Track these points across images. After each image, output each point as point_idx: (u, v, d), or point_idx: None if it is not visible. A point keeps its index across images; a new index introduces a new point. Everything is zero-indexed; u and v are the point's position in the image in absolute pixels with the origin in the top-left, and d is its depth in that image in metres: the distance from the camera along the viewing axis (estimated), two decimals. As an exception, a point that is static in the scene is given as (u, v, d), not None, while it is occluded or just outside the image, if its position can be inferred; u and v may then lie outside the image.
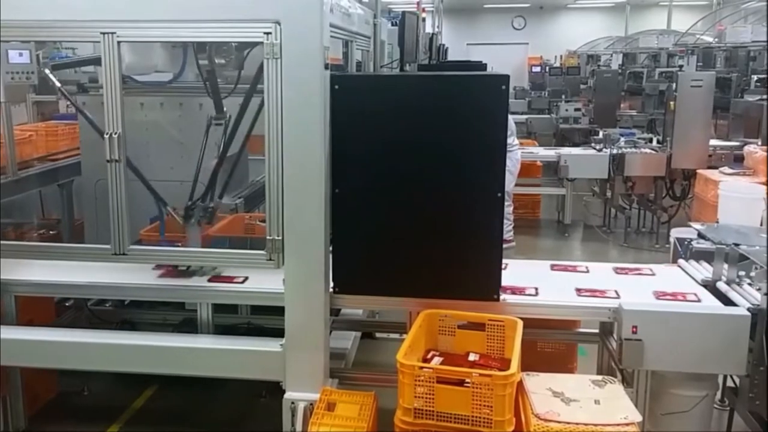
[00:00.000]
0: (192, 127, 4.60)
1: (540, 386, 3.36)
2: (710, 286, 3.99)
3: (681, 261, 4.42)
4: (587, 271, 4.38)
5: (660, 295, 3.89)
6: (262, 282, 4.13)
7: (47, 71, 4.57)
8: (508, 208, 8.24)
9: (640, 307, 3.65)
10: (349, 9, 4.26)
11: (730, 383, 4.05)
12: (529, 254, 7.91)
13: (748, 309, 3.57)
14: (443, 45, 11.21)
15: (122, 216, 3.80)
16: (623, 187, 8.96)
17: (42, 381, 4.65)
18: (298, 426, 3.70)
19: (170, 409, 4.76)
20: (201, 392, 4.79)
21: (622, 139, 9.30)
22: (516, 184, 8.54)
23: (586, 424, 3.07)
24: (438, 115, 3.62)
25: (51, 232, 5.25)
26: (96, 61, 4.16)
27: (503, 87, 3.57)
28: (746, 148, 8.13)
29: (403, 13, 5.82)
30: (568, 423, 3.08)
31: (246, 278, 4.20)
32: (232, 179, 4.42)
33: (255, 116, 3.99)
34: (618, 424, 3.08)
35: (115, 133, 3.70)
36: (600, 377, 3.58)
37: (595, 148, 9.46)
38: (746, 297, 3.72)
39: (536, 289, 3.96)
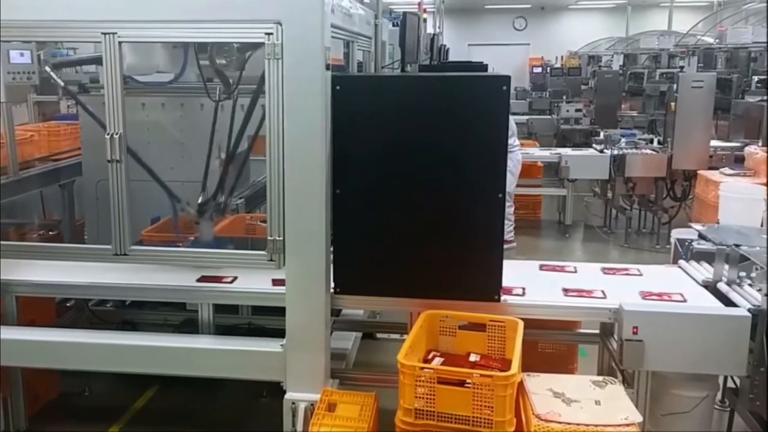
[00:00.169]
0: (193, 127, 4.61)
1: (541, 387, 3.36)
2: (711, 287, 3.99)
3: (682, 262, 4.42)
4: (575, 271, 4.39)
5: (646, 295, 3.90)
6: (250, 282, 4.15)
7: (47, 68, 4.57)
8: (509, 209, 8.24)
9: (641, 308, 3.65)
10: (350, 9, 4.26)
11: (730, 384, 4.05)
12: (529, 255, 7.91)
13: (749, 310, 3.57)
14: (444, 46, 11.21)
15: (123, 216, 3.80)
16: (624, 187, 8.96)
17: (43, 381, 4.65)
18: (299, 426, 3.70)
19: (171, 409, 4.76)
20: (202, 392, 4.79)
21: (623, 139, 9.30)
22: (517, 185, 8.54)
23: (586, 425, 3.07)
24: (439, 116, 3.62)
25: (51, 233, 5.25)
26: (97, 60, 4.17)
27: (504, 88, 3.57)
28: (747, 149, 8.14)
29: (404, 13, 5.83)
30: (569, 423, 3.08)
31: (235, 278, 4.20)
32: (241, 176, 4.44)
33: (262, 117, 4.01)
34: (618, 425, 3.08)
35: (116, 134, 3.70)
36: (600, 378, 3.57)
37: (596, 149, 9.46)
38: (747, 298, 3.72)
39: (523, 289, 3.96)
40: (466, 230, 3.70)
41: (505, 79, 3.59)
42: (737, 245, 4.03)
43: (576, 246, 9.22)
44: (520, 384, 3.33)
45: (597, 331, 4.35)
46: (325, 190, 3.63)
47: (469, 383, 3.14)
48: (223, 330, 4.35)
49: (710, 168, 8.15)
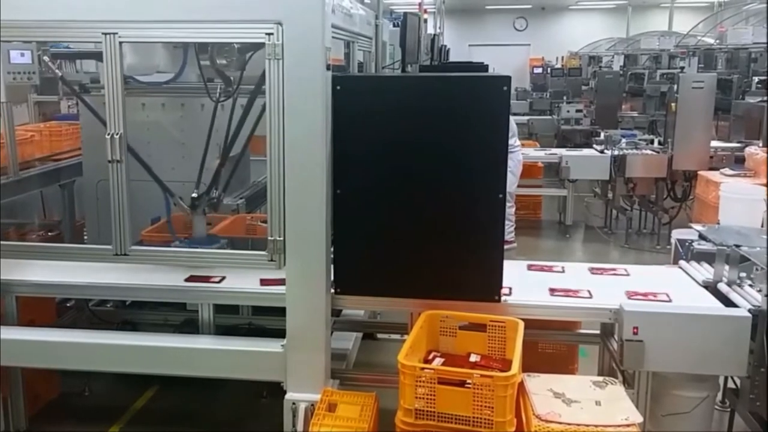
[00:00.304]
0: (193, 127, 4.61)
1: (541, 387, 3.36)
2: (711, 288, 3.99)
3: (682, 262, 4.42)
4: (563, 271, 4.40)
5: (632, 295, 3.90)
6: (239, 281, 4.15)
7: (46, 59, 4.58)
8: (510, 209, 8.23)
9: (641, 308, 3.65)
10: (351, 10, 4.27)
11: (730, 384, 4.05)
12: (530, 255, 7.90)
13: (749, 310, 3.57)
14: (445, 46, 11.22)
15: (123, 216, 3.80)
16: (624, 188, 8.95)
17: (43, 381, 4.65)
18: (299, 426, 3.70)
19: (171, 409, 4.76)
20: (202, 393, 4.79)
21: (624, 140, 9.30)
22: (518, 185, 8.54)
23: (587, 425, 3.07)
24: (439, 117, 3.62)
25: (50, 233, 5.25)
26: (96, 56, 4.17)
27: (505, 88, 3.58)
28: (747, 149, 8.13)
29: (405, 14, 5.83)
30: (569, 424, 3.08)
31: (223, 278, 4.20)
32: (236, 172, 4.43)
33: (258, 116, 4.01)
34: (619, 425, 3.08)
35: (117, 134, 3.70)
36: (601, 378, 3.57)
37: (596, 150, 9.46)
38: (747, 298, 3.72)
39: (510, 288, 3.95)
40: (467, 230, 3.70)
41: (506, 80, 3.59)
42: (737, 246, 4.03)
43: (576, 246, 9.21)
44: (521, 384, 3.33)
45: (597, 332, 4.35)
46: (325, 191, 3.62)
47: (469, 384, 3.14)
48: (223, 330, 4.34)
49: (711, 168, 8.15)
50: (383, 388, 3.81)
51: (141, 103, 4.83)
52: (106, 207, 3.83)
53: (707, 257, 4.29)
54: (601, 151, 9.26)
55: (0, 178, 4.87)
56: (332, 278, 3.82)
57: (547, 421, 3.10)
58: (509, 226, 8.17)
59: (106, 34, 3.60)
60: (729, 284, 3.92)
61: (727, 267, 3.98)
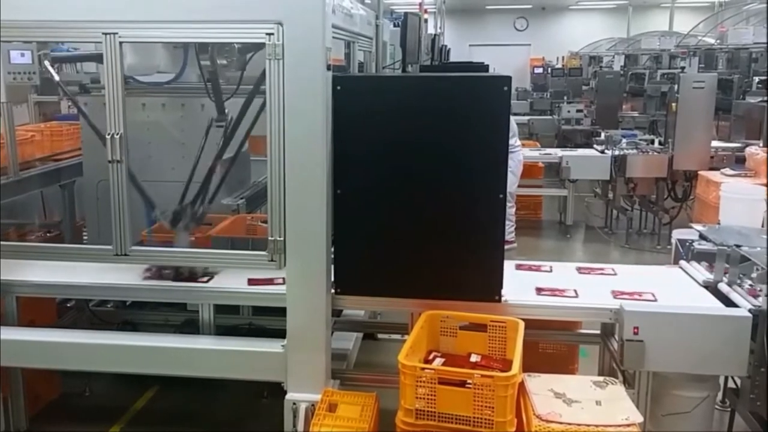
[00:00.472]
0: (194, 128, 4.61)
1: (541, 387, 3.36)
2: (711, 288, 3.99)
3: (682, 262, 4.42)
4: (550, 271, 4.41)
5: (618, 294, 3.91)
6: (226, 281, 4.17)
7: (46, 62, 4.58)
8: (511, 209, 8.23)
9: (642, 308, 3.65)
10: (351, 10, 4.27)
11: (731, 384, 4.05)
12: (530, 255, 7.88)
13: (749, 310, 3.57)
14: (445, 46, 11.21)
15: (124, 217, 3.80)
16: (625, 188, 8.95)
17: (44, 382, 4.65)
18: (300, 427, 3.70)
19: (171, 409, 4.76)
20: (202, 393, 4.79)
21: (624, 140, 9.29)
22: (518, 185, 8.54)
23: (587, 425, 3.07)
24: (440, 117, 3.62)
25: (49, 234, 5.24)
26: (96, 58, 4.16)
27: (505, 88, 3.58)
28: (748, 149, 8.13)
29: (406, 14, 5.84)
30: (570, 424, 3.08)
31: (210, 277, 4.20)
32: (224, 183, 4.42)
33: (254, 119, 4.01)
34: (619, 425, 3.08)
35: (117, 134, 3.70)
36: (601, 378, 3.58)
37: (597, 150, 9.46)
38: (747, 298, 3.72)
39: None
40: (467, 231, 3.70)
41: (506, 80, 3.59)
42: (738, 246, 4.03)
43: (577, 247, 9.21)
44: (521, 384, 3.33)
45: (598, 332, 4.35)
46: (325, 191, 3.63)
47: (469, 384, 3.14)
48: (223, 330, 4.34)
49: (711, 168, 8.15)
50: (384, 389, 3.81)
51: (141, 103, 4.83)
52: (106, 207, 3.83)
53: (708, 257, 4.29)
54: (602, 151, 9.26)
55: (0, 178, 4.87)
56: (332, 278, 3.82)
57: (547, 421, 3.10)
58: (510, 226, 8.17)
59: (106, 34, 3.60)
60: (729, 284, 3.92)
61: (727, 267, 3.97)
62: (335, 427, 3.41)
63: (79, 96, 4.93)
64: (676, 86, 8.64)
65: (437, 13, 13.30)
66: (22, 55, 4.88)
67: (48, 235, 5.17)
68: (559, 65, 19.90)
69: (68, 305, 4.97)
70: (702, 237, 4.51)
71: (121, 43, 3.62)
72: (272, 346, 3.85)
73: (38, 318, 4.48)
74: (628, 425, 3.08)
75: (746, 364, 3.53)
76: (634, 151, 8.88)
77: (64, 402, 4.80)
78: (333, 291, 3.84)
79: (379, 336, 5.53)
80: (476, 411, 3.12)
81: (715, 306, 3.78)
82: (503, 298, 3.80)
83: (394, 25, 6.76)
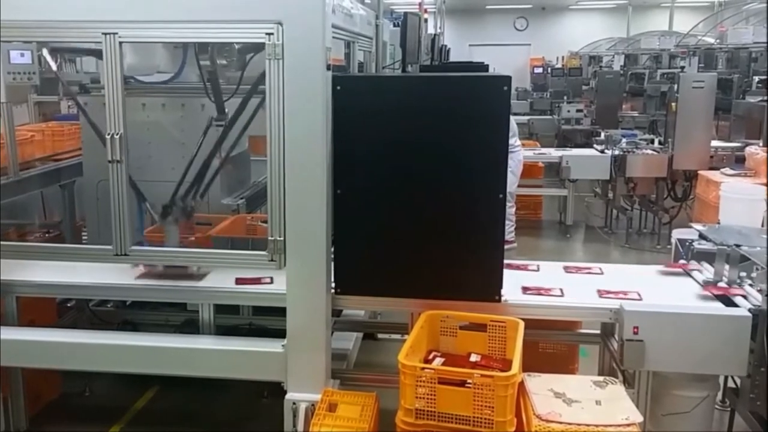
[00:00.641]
0: (194, 128, 4.61)
1: (541, 387, 3.36)
2: (711, 287, 3.99)
3: (682, 262, 4.42)
4: (537, 270, 4.41)
5: (603, 293, 3.92)
6: (215, 281, 4.17)
7: (44, 51, 4.58)
8: (511, 209, 8.23)
9: (642, 308, 3.65)
10: (351, 10, 4.27)
11: (731, 384, 4.05)
12: (530, 255, 7.89)
13: (749, 310, 3.57)
14: (445, 46, 11.21)
15: (123, 216, 3.80)
16: (625, 188, 8.95)
17: (44, 381, 4.65)
18: (300, 427, 3.70)
19: (171, 409, 4.76)
20: (202, 393, 4.79)
21: (624, 140, 9.29)
22: (518, 185, 8.54)
23: (587, 425, 3.07)
24: (440, 116, 3.62)
25: (49, 234, 5.24)
26: (96, 53, 4.16)
27: (505, 88, 3.58)
28: (747, 149, 8.13)
29: (405, 14, 5.84)
30: (570, 424, 3.08)
31: (202, 276, 4.22)
32: (221, 178, 4.46)
33: (249, 119, 4.03)
34: (619, 425, 3.08)
35: (117, 134, 3.70)
36: (601, 378, 3.57)
37: (597, 150, 9.46)
38: (747, 298, 3.72)
39: None
40: (467, 230, 3.70)
41: (506, 80, 3.59)
42: (738, 245, 4.03)
43: (577, 246, 9.21)
44: (521, 384, 3.33)
45: (598, 332, 4.35)
46: (325, 190, 3.62)
47: (469, 383, 3.14)
48: (224, 330, 4.35)
49: (711, 168, 8.15)
50: (384, 388, 3.81)
51: (141, 103, 4.83)
52: (106, 207, 3.83)
53: (707, 257, 4.29)
54: (602, 151, 9.26)
55: (0, 178, 4.87)
56: (332, 278, 3.82)
57: (547, 421, 3.10)
58: (509, 226, 8.17)
59: (106, 34, 3.60)
60: (729, 284, 3.92)
61: (727, 266, 3.98)
62: (335, 427, 3.41)
63: (79, 96, 4.93)
64: (675, 86, 8.65)
65: (437, 13, 13.32)
66: (22, 55, 4.89)
67: (48, 235, 5.17)
68: (559, 65, 19.90)
69: (68, 305, 4.97)
70: (702, 237, 4.51)
71: (120, 43, 3.62)
72: (272, 346, 3.85)
73: (38, 318, 4.48)
74: (628, 425, 3.08)
75: (746, 363, 3.53)
76: (634, 150, 8.88)
77: (64, 402, 4.80)
78: (333, 291, 3.84)
79: (379, 336, 5.53)
80: (476, 411, 3.12)
81: (714, 306, 3.78)
82: (503, 298, 3.80)
83: (394, 25, 6.76)
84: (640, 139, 9.41)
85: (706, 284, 3.99)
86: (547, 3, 22.88)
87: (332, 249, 3.78)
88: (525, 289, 3.99)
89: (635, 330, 3.55)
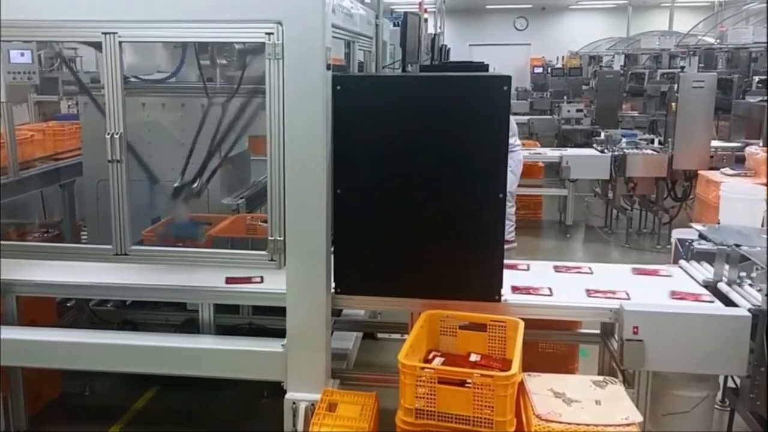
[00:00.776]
0: (194, 128, 4.61)
1: (541, 387, 3.36)
2: (711, 287, 3.99)
3: (682, 262, 4.43)
4: (527, 269, 4.42)
5: (591, 293, 3.93)
6: (208, 281, 4.17)
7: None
8: (511, 209, 8.23)
9: (642, 308, 3.65)
10: (351, 9, 4.27)
11: (731, 384, 4.05)
12: (530, 255, 7.90)
13: (749, 310, 3.57)
14: (445, 46, 11.21)
15: (123, 216, 3.80)
16: (625, 188, 8.95)
17: (44, 381, 4.65)
18: (300, 426, 3.70)
19: (172, 409, 4.76)
20: (202, 393, 4.79)
21: (624, 140, 9.30)
22: (518, 185, 8.54)
23: (587, 425, 3.07)
24: (440, 116, 3.62)
25: (47, 234, 5.24)
26: (95, 44, 4.17)
27: (505, 88, 3.58)
28: (747, 149, 8.13)
29: (405, 13, 5.83)
30: (570, 423, 3.08)
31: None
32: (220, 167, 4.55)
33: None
34: (619, 425, 3.08)
35: (117, 134, 3.70)
36: (601, 378, 3.57)
37: (597, 149, 9.46)
38: (747, 298, 3.72)
39: None
40: (467, 230, 3.70)
41: (506, 79, 3.59)
42: (738, 245, 4.03)
43: (577, 246, 9.21)
44: (521, 384, 3.33)
45: (597, 331, 4.35)
46: (325, 190, 3.63)
47: (469, 383, 3.14)
48: (224, 330, 4.35)
49: (711, 168, 8.14)
50: (383, 388, 3.81)
51: (141, 103, 4.83)
52: (106, 207, 3.83)
53: (707, 257, 4.29)
54: (602, 151, 9.26)
55: (0, 177, 4.87)
56: (332, 278, 3.82)
57: (547, 421, 3.10)
58: (509, 226, 8.17)
59: (105, 33, 3.60)
60: (729, 284, 3.92)
61: (727, 266, 3.98)
62: (335, 427, 3.41)
63: (79, 96, 4.93)
64: (675, 86, 8.64)
65: (437, 13, 13.31)
66: (22, 54, 4.89)
67: (48, 234, 5.17)
68: (559, 65, 19.90)
69: (68, 305, 4.97)
70: (702, 237, 4.51)
71: (120, 42, 3.62)
72: (272, 345, 3.85)
73: (38, 317, 4.48)
74: (628, 425, 3.08)
75: (746, 363, 3.53)
76: (634, 150, 8.88)
77: (64, 402, 4.80)
78: (333, 291, 3.84)
79: (379, 335, 5.53)
80: (476, 410, 3.12)
81: (714, 306, 3.78)
82: (503, 298, 3.80)
83: (394, 25, 6.76)
84: (640, 139, 9.41)
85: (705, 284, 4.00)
86: (547, 3, 22.88)
87: (332, 249, 3.78)
88: (514, 288, 3.99)
89: (635, 330, 3.55)
